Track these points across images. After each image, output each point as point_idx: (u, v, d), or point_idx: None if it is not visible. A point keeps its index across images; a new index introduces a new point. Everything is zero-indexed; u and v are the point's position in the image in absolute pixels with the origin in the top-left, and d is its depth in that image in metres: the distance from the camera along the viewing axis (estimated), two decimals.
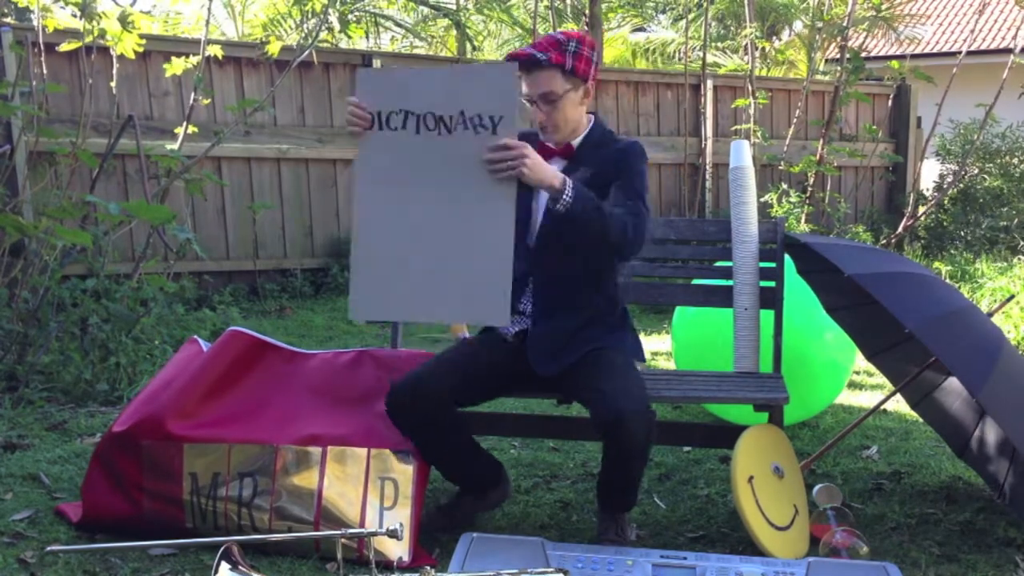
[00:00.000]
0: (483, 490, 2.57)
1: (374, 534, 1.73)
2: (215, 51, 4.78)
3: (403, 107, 2.25)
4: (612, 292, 2.50)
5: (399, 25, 12.19)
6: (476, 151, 2.19)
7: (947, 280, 6.35)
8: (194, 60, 4.57)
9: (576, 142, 2.43)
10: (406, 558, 2.27)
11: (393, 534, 1.74)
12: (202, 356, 2.59)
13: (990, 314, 2.76)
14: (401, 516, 2.33)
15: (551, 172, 2.21)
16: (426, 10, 10.81)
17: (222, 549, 1.75)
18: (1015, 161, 8.95)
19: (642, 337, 5.48)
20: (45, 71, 4.42)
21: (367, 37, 11.58)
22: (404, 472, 2.38)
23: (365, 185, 2.29)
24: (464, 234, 2.21)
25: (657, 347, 5.17)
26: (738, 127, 7.27)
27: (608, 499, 2.44)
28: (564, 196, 2.20)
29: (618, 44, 13.61)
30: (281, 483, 2.38)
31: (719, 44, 12.45)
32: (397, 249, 2.25)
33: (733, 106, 7.49)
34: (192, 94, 4.56)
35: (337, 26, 5.20)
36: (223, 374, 2.54)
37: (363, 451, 2.40)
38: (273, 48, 5.04)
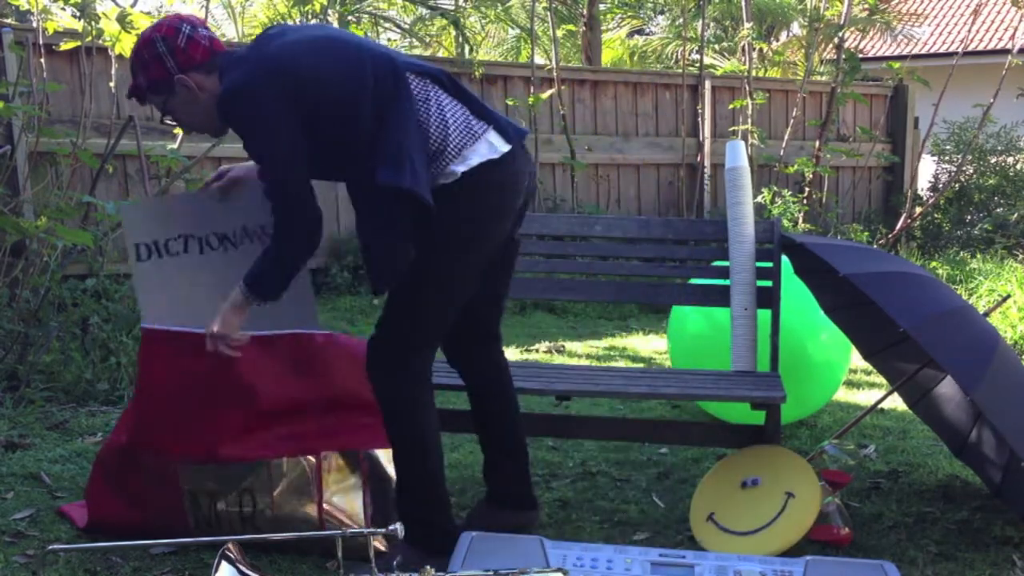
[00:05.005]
0: None
1: (374, 533, 1.74)
2: None
3: (181, 232, 2.33)
4: None
5: (398, 26, 12.20)
6: None
7: (943, 280, 6.37)
8: None
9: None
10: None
11: (393, 533, 1.74)
12: (175, 363, 2.39)
13: (986, 314, 2.78)
14: None
15: (229, 307, 2.16)
16: (423, 10, 10.81)
17: (222, 548, 1.75)
18: (1011, 160, 8.98)
19: (640, 337, 5.56)
20: (45, 71, 4.43)
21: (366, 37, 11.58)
22: None
23: (151, 311, 2.34)
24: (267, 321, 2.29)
25: (656, 346, 5.19)
26: (736, 128, 7.29)
27: None
28: (254, 300, 2.16)
29: (616, 46, 13.62)
30: (280, 496, 2.36)
31: (716, 46, 12.46)
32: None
33: (731, 107, 7.50)
34: None
35: (337, 27, 5.21)
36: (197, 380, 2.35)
37: (357, 453, 2.40)
38: None
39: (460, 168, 2.11)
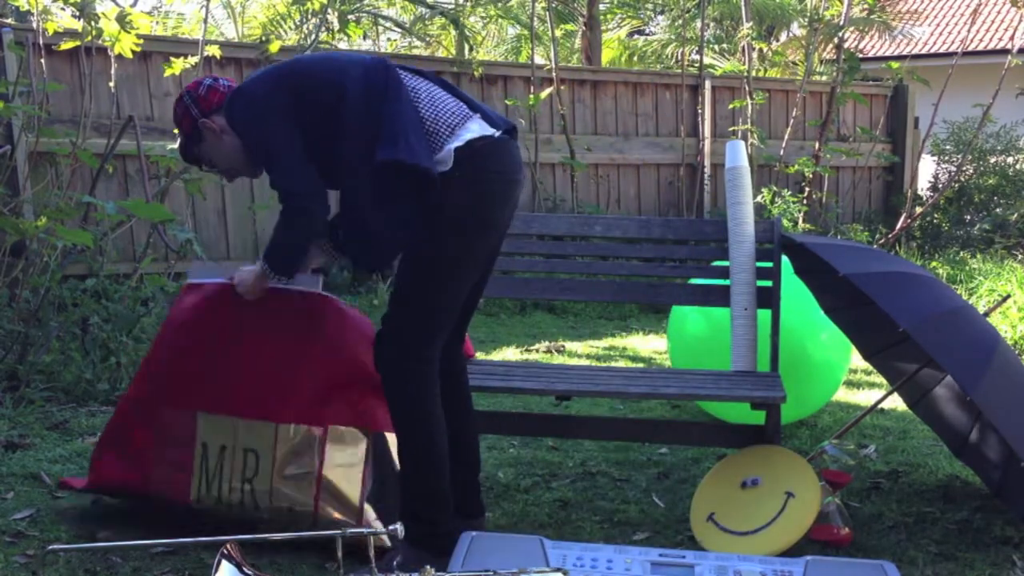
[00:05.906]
0: None
1: (374, 533, 1.74)
2: (213, 51, 4.78)
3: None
4: None
5: (398, 25, 12.19)
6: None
7: (943, 280, 6.37)
8: (192, 60, 4.58)
9: None
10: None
11: (393, 533, 1.74)
12: (199, 312, 2.56)
13: (986, 314, 2.78)
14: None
15: (250, 272, 2.40)
16: (422, 10, 10.81)
17: (222, 548, 1.75)
18: (1010, 160, 8.98)
19: (640, 337, 5.56)
20: (45, 71, 4.43)
21: (366, 37, 11.59)
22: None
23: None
24: None
25: (656, 346, 5.19)
26: (736, 128, 7.29)
27: None
28: (276, 277, 2.35)
29: (615, 45, 13.61)
30: (280, 463, 2.38)
31: (716, 46, 12.45)
32: None
33: (731, 107, 7.50)
34: None
35: (336, 26, 5.21)
36: (222, 328, 2.50)
37: (362, 430, 2.40)
38: (273, 47, 5.05)
39: (453, 144, 2.16)
